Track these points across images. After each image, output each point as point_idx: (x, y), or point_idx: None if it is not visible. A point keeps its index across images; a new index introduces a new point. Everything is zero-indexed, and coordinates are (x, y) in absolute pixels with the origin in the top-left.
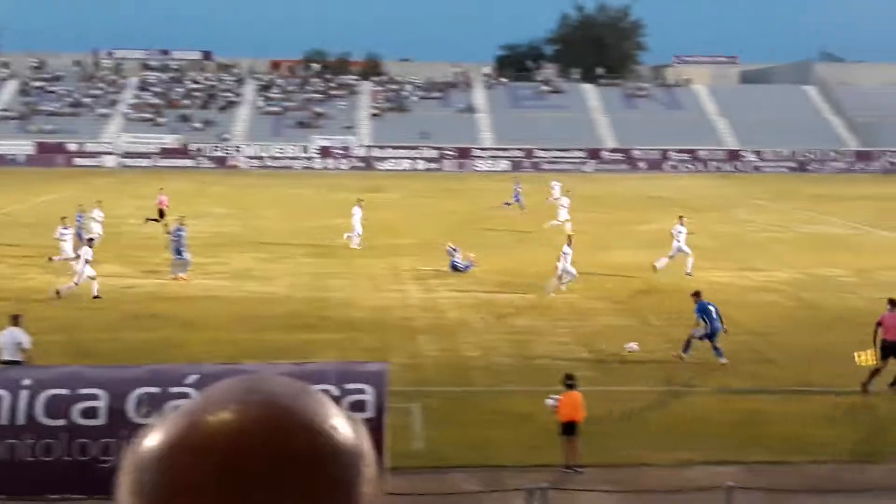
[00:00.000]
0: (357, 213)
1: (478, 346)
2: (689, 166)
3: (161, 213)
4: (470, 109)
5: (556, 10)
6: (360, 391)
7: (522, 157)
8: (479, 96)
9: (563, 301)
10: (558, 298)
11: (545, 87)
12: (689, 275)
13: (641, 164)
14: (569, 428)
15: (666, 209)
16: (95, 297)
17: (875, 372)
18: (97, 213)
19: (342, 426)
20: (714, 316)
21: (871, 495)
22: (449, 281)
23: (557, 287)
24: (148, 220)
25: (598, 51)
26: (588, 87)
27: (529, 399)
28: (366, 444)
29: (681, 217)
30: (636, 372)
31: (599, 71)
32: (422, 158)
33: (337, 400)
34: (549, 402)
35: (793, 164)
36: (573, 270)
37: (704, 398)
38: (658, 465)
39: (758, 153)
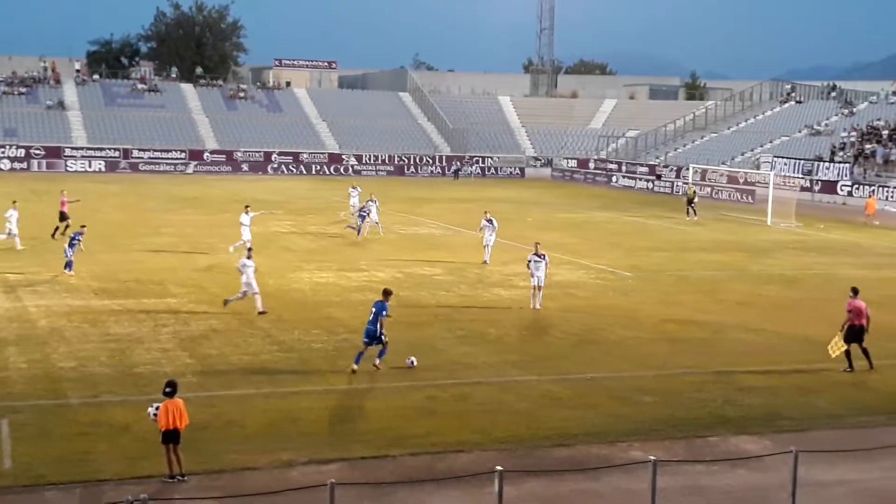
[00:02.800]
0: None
1: (72, 356)
2: (293, 169)
3: (63, 216)
4: (60, 106)
5: (150, 5)
6: None
7: (119, 158)
8: (70, 93)
9: (164, 306)
10: (160, 303)
11: (141, 86)
12: (485, 263)
13: (245, 167)
14: (171, 436)
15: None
16: None
17: (848, 354)
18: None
19: None
20: (371, 318)
21: (462, 482)
22: (39, 289)
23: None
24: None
25: (197, 50)
26: (187, 87)
27: (129, 409)
28: None
29: (485, 212)
30: (239, 376)
31: (198, 70)
32: (7, 158)
33: None
34: (151, 410)
35: (391, 168)
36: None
37: (306, 398)
38: (262, 467)
39: (358, 157)
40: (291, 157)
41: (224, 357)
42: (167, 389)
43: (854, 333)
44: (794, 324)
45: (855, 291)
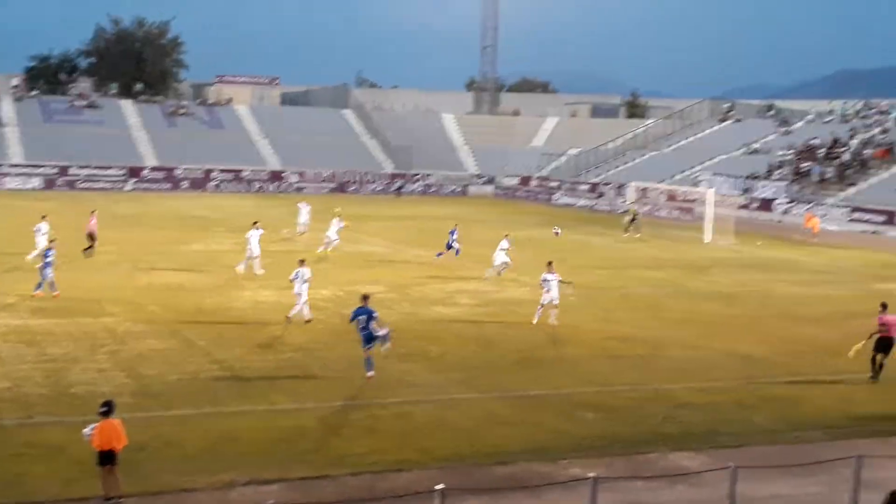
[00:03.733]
0: (43, 228)
1: (6, 376)
2: (233, 186)
3: (91, 237)
4: None
5: (90, 21)
6: None
7: (56, 175)
8: (8, 109)
9: (100, 326)
10: (97, 322)
11: (80, 102)
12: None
13: (184, 184)
14: (107, 457)
15: (209, 228)
16: None
17: (873, 361)
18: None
19: None
20: (362, 325)
21: (403, 501)
22: None
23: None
24: (86, 249)
25: (137, 66)
26: (126, 103)
27: (65, 430)
28: None
29: (506, 235)
30: (178, 395)
31: (138, 87)
32: None
33: None
34: (87, 430)
35: (333, 185)
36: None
37: (247, 418)
38: (201, 488)
39: (300, 174)
40: (232, 174)
41: (162, 377)
42: (103, 409)
43: (884, 345)
44: (732, 340)
45: (884, 306)
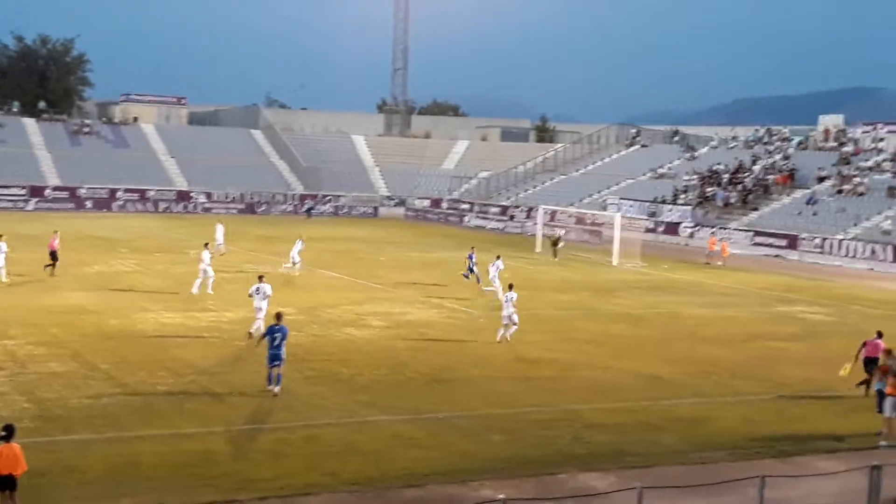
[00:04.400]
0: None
1: None
2: (139, 206)
3: (53, 256)
4: None
5: None
6: None
7: None
8: None
9: (0, 348)
10: None
11: None
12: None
13: (88, 204)
14: (6, 483)
15: (113, 249)
16: None
17: (864, 381)
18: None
19: None
20: (276, 343)
21: None
22: None
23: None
24: (46, 266)
25: (40, 84)
26: (29, 122)
27: None
28: None
29: (498, 256)
30: (79, 420)
31: (41, 105)
32: None
33: None
34: None
35: (241, 206)
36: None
37: (150, 442)
38: None
39: (208, 194)
40: (138, 194)
41: (63, 401)
42: (3, 434)
43: (870, 364)
44: (640, 362)
45: (879, 335)
